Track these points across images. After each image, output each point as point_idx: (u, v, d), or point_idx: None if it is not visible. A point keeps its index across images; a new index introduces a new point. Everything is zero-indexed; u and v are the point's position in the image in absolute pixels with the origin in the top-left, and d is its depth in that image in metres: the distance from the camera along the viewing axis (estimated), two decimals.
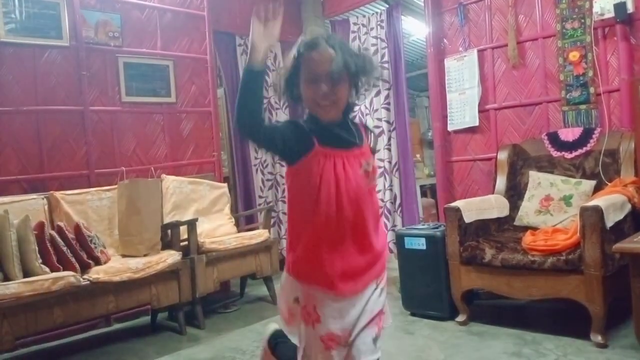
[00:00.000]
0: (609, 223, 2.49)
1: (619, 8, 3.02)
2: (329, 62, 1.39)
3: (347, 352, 1.47)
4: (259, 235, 3.71)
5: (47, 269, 2.74)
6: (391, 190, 4.43)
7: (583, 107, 3.32)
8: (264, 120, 1.37)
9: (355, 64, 1.44)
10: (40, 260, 2.73)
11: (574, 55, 3.31)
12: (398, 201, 4.38)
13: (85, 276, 2.80)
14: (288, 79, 1.47)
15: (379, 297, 1.53)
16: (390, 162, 4.43)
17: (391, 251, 4.40)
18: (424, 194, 6.89)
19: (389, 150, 4.43)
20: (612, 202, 2.58)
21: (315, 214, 1.42)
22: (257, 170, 4.80)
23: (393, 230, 4.31)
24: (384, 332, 1.58)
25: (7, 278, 2.64)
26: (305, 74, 1.43)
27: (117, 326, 3.55)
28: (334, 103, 1.42)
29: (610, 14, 3.09)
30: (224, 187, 4.07)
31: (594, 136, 3.19)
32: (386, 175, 4.45)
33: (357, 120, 1.60)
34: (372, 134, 1.59)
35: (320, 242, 1.44)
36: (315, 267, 1.45)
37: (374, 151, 1.56)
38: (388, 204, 4.43)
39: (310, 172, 1.41)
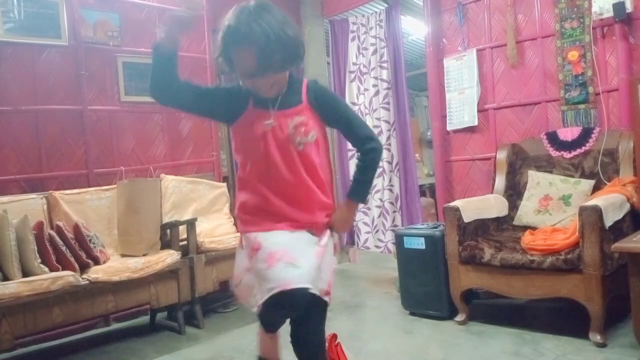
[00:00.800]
0: (608, 222, 2.50)
1: (618, 7, 3.01)
2: (253, 60, 1.41)
3: (293, 270, 1.47)
4: None
5: (46, 269, 2.73)
6: (391, 190, 4.43)
7: (582, 106, 3.32)
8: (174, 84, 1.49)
9: (283, 50, 1.43)
10: (39, 260, 2.73)
11: (572, 55, 3.31)
12: (399, 201, 4.37)
13: (84, 276, 2.79)
14: (223, 53, 1.49)
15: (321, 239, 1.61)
16: (390, 162, 4.43)
17: (389, 251, 4.42)
18: (423, 194, 6.89)
19: (389, 149, 4.43)
20: (611, 202, 2.58)
21: (247, 170, 1.58)
22: None
23: (393, 230, 4.31)
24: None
25: (6, 278, 2.64)
26: (237, 67, 1.48)
27: (116, 326, 3.54)
28: (273, 87, 1.50)
29: (609, 13, 3.08)
30: (223, 187, 4.07)
31: (593, 136, 3.19)
32: (385, 175, 4.44)
33: (304, 80, 1.61)
34: (316, 87, 1.60)
35: (251, 203, 1.58)
36: (251, 216, 1.59)
37: (323, 104, 1.58)
38: (387, 204, 4.43)
39: (244, 130, 1.55)
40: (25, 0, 3.31)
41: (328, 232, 1.66)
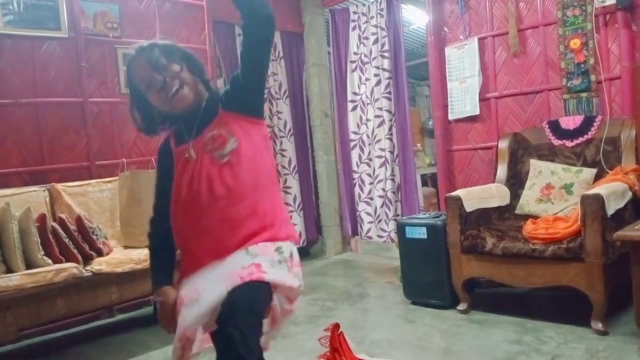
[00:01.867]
0: (610, 211, 2.50)
1: None
2: (153, 61, 1.42)
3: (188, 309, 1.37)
4: None
5: (49, 261, 2.74)
6: (393, 180, 4.43)
7: (584, 95, 3.30)
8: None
9: (181, 50, 1.48)
10: (42, 252, 2.73)
11: (575, 43, 3.29)
12: (400, 191, 4.38)
13: (87, 267, 2.80)
14: (134, 103, 1.52)
15: (251, 258, 1.37)
16: (392, 152, 4.42)
17: (392, 240, 4.43)
18: (424, 183, 6.90)
19: (390, 140, 4.43)
20: (613, 190, 2.57)
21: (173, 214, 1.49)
22: None
23: (395, 219, 4.32)
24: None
25: (9, 270, 2.65)
26: (142, 86, 1.46)
27: (120, 317, 3.56)
28: (187, 85, 1.44)
29: (611, 1, 3.07)
30: None
31: (595, 124, 3.18)
32: (387, 165, 4.44)
33: (220, 89, 1.54)
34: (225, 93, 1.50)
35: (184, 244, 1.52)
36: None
37: (233, 96, 1.47)
38: (389, 194, 4.44)
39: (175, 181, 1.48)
40: None
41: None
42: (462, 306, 3.02)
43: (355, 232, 4.81)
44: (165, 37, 1.58)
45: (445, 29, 4.02)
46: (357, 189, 4.72)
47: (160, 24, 3.96)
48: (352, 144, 4.73)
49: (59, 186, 3.23)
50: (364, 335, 2.83)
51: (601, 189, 2.57)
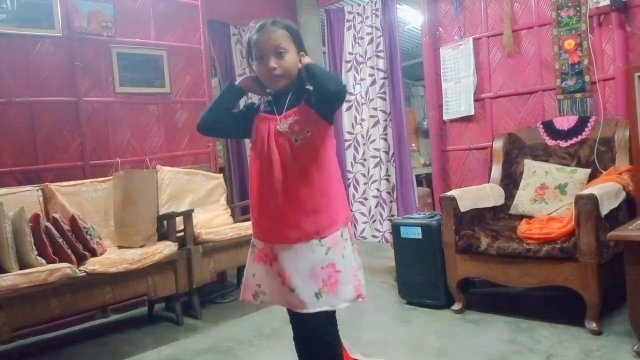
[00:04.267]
0: (604, 211, 2.51)
1: None
2: (273, 39, 1.64)
3: (288, 296, 1.66)
4: None
5: (43, 261, 2.73)
6: (388, 180, 4.43)
7: (578, 95, 3.32)
8: (219, 123, 1.76)
9: (298, 36, 1.70)
10: (36, 252, 2.72)
11: (569, 44, 3.31)
12: (395, 191, 4.38)
13: (81, 268, 2.79)
14: (248, 60, 1.76)
15: (324, 254, 1.66)
16: (387, 152, 4.43)
17: (387, 241, 4.43)
18: (419, 184, 6.91)
19: (385, 140, 4.43)
20: (607, 191, 2.59)
21: (254, 171, 1.74)
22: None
23: (390, 220, 4.32)
24: (333, 289, 1.66)
25: (3, 270, 2.63)
26: (255, 53, 1.69)
27: (114, 317, 3.55)
28: (284, 74, 1.66)
29: (605, 2, 3.08)
30: (219, 178, 4.07)
31: (589, 125, 3.19)
32: (382, 165, 4.45)
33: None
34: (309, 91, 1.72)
35: (256, 199, 1.74)
36: (256, 221, 1.77)
37: (310, 103, 1.68)
38: (384, 194, 4.44)
39: (254, 137, 1.75)
40: None
41: (335, 236, 1.70)
42: (457, 306, 3.03)
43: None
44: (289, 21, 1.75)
45: (441, 29, 4.02)
46: (351, 189, 4.72)
47: (155, 23, 3.94)
48: (346, 144, 4.73)
49: (53, 186, 3.22)
50: (360, 335, 2.83)
51: (595, 189, 2.58)
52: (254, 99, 1.96)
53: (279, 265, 1.68)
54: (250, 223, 3.69)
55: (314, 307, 1.63)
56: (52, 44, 3.44)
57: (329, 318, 1.73)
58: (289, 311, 1.77)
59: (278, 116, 1.70)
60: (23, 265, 2.69)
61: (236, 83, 1.77)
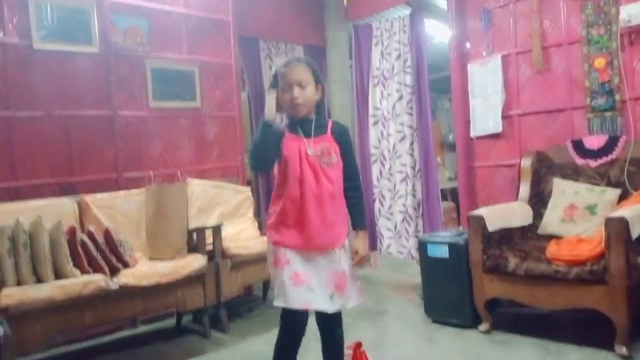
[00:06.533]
0: (635, 234, 2.49)
1: None
2: (297, 73, 1.95)
3: (311, 295, 1.91)
4: None
5: (78, 272, 2.81)
6: (414, 195, 4.43)
7: (608, 114, 3.29)
8: (272, 161, 1.99)
9: (317, 72, 2.00)
10: (71, 264, 2.81)
11: (599, 62, 3.29)
12: (421, 206, 4.38)
13: (114, 280, 2.87)
14: (270, 89, 2.01)
15: (339, 262, 1.98)
16: (413, 168, 4.43)
17: (412, 257, 4.43)
18: (444, 197, 6.85)
19: (412, 155, 4.44)
20: (637, 213, 2.56)
21: (285, 184, 1.96)
22: None
23: (416, 236, 4.32)
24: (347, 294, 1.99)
25: (39, 280, 2.72)
26: (281, 84, 1.97)
27: (143, 328, 3.61)
28: (305, 103, 1.96)
29: (637, 20, 3.06)
30: (247, 191, 4.13)
31: (619, 144, 3.16)
32: (408, 180, 4.45)
33: (329, 120, 2.10)
34: (341, 128, 2.07)
35: (286, 209, 1.94)
36: (282, 231, 1.96)
37: (342, 143, 2.03)
38: (410, 209, 4.44)
39: (283, 154, 1.96)
40: (58, 7, 3.39)
41: (343, 248, 2.03)
42: (484, 326, 3.02)
43: (374, 247, 4.82)
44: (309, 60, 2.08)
45: (468, 45, 4.03)
46: (377, 204, 4.74)
47: (187, 39, 4.04)
48: (372, 158, 4.76)
49: (88, 198, 3.31)
50: (385, 353, 2.84)
51: (625, 211, 2.56)
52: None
53: (292, 266, 1.92)
54: None
55: (327, 306, 1.93)
56: (89, 59, 3.55)
57: (340, 314, 2.06)
58: (302, 320, 1.99)
59: (305, 138, 1.98)
60: (58, 275, 2.78)
61: (265, 118, 1.93)
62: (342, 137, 2.05)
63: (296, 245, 1.94)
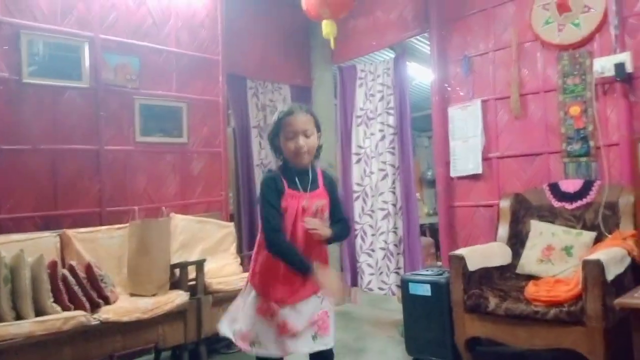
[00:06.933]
0: (610, 276, 2.56)
1: (619, 68, 3.15)
2: (302, 122, 1.97)
3: (294, 342, 1.93)
4: None
5: (58, 308, 2.78)
6: (395, 232, 4.50)
7: (583, 159, 3.42)
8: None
9: (318, 121, 2.03)
10: (52, 299, 2.78)
11: (574, 110, 3.43)
12: (402, 243, 4.44)
13: (95, 316, 2.84)
14: (272, 136, 2.04)
15: (320, 304, 2.02)
16: (394, 205, 4.51)
17: (393, 293, 4.46)
18: (423, 233, 6.93)
19: (393, 192, 4.52)
20: (612, 256, 2.65)
21: None
22: None
23: (397, 272, 4.36)
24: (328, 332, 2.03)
25: (19, 316, 2.69)
26: (285, 133, 1.98)
27: None
28: (308, 151, 1.98)
29: (610, 72, 3.21)
30: (230, 227, 4.14)
31: (594, 188, 3.28)
32: (389, 218, 4.52)
33: (317, 168, 2.11)
34: (331, 180, 2.12)
35: (273, 262, 1.93)
36: (270, 283, 1.96)
37: (332, 193, 2.08)
38: (391, 246, 4.50)
39: (282, 206, 1.94)
40: (50, 42, 3.44)
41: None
42: None
43: (354, 283, 4.84)
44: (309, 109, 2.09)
45: (450, 89, 4.18)
46: (358, 240, 4.78)
47: (177, 76, 4.12)
48: (355, 195, 4.83)
49: (70, 232, 3.29)
50: None
51: (601, 254, 2.64)
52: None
53: (280, 318, 1.93)
54: None
55: (311, 348, 1.97)
56: (79, 94, 3.59)
57: (332, 351, 2.08)
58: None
59: (303, 193, 1.99)
60: (38, 311, 2.74)
61: (312, 273, 1.88)
62: (332, 188, 2.09)
63: (282, 299, 1.95)
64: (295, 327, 1.94)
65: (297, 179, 1.99)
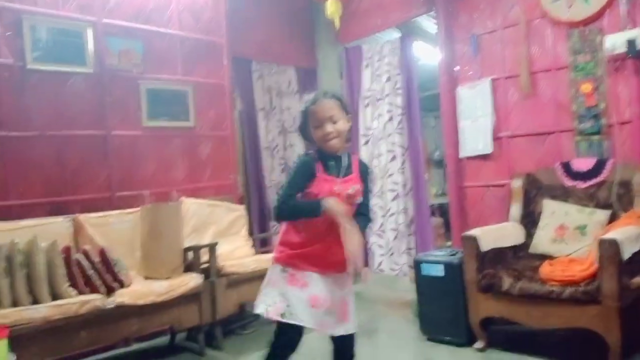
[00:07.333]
0: (626, 255, 2.56)
1: (630, 44, 3.11)
2: (327, 109, 1.97)
3: (323, 320, 1.97)
4: None
5: (74, 292, 2.80)
6: (405, 212, 4.50)
7: (595, 137, 3.40)
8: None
9: (345, 104, 2.03)
10: (68, 284, 2.79)
11: (586, 87, 3.40)
12: (413, 223, 4.44)
13: (110, 299, 2.85)
14: (302, 127, 2.07)
15: (343, 290, 2.04)
16: (404, 186, 4.50)
17: (405, 274, 4.47)
18: (432, 214, 6.94)
19: (402, 173, 4.51)
20: (628, 235, 2.64)
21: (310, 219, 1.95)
22: (272, 192, 4.88)
23: (408, 253, 4.37)
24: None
25: (35, 301, 2.70)
26: (312, 122, 2.00)
27: (136, 346, 3.57)
28: (338, 136, 1.98)
29: (621, 49, 3.17)
30: (240, 210, 4.14)
31: (606, 167, 3.25)
32: (399, 199, 4.52)
33: (354, 156, 2.12)
34: (366, 168, 2.14)
35: (314, 241, 1.96)
36: (309, 257, 1.97)
37: (365, 181, 2.09)
38: (402, 227, 4.50)
39: (313, 192, 1.97)
40: (53, 29, 3.41)
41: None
42: (479, 344, 3.06)
43: (366, 264, 4.85)
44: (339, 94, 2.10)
45: (458, 69, 4.13)
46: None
47: (182, 60, 4.08)
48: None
49: (82, 217, 3.30)
50: None
51: (617, 233, 2.63)
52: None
53: (311, 289, 1.96)
54: (271, 255, 3.75)
55: (340, 330, 2.01)
56: (83, 80, 3.56)
57: (354, 335, 2.10)
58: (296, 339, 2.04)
59: (336, 178, 1.99)
60: (55, 295, 2.76)
61: (325, 207, 1.88)
62: (365, 176, 2.10)
63: (317, 270, 1.98)
64: (325, 302, 1.97)
65: (331, 164, 2.00)
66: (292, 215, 1.97)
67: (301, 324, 1.95)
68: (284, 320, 1.94)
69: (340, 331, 2.02)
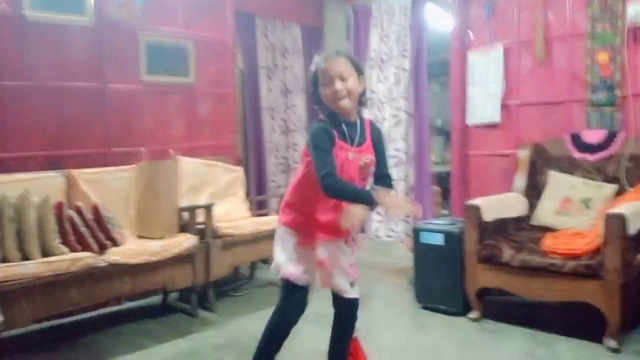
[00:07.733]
0: (632, 231, 2.49)
1: None
2: (337, 66, 1.89)
3: (329, 279, 2.01)
4: (275, 221, 3.70)
5: (65, 249, 2.74)
6: (406, 180, 4.42)
7: (608, 109, 3.28)
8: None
9: (357, 62, 1.95)
10: (59, 241, 2.73)
11: (602, 57, 3.27)
12: (413, 192, 4.37)
13: (103, 257, 2.79)
14: (313, 90, 2.00)
15: (352, 252, 2.04)
16: (406, 153, 4.40)
17: (402, 241, 4.43)
18: None
19: (406, 140, 4.41)
20: (635, 210, 2.57)
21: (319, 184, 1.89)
22: (270, 153, 4.79)
23: (406, 220, 4.31)
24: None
25: (25, 257, 2.64)
26: (322, 80, 1.92)
27: (127, 305, 3.54)
28: (349, 94, 1.89)
29: None
30: (238, 171, 4.06)
31: (617, 140, 3.16)
32: (401, 166, 4.43)
33: (366, 117, 2.04)
34: (379, 132, 2.06)
35: (324, 211, 1.93)
36: (319, 225, 1.96)
37: (381, 147, 2.03)
38: (401, 195, 4.42)
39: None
40: None
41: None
42: (474, 314, 3.03)
43: (361, 230, 4.80)
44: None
45: (470, 33, 3.98)
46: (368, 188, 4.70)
47: (183, 13, 3.92)
48: None
49: (76, 172, 3.21)
50: (376, 340, 2.82)
51: (624, 208, 2.56)
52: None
53: (319, 252, 1.96)
54: (268, 218, 3.70)
55: (348, 293, 2.05)
56: (82, 31, 3.41)
57: (358, 301, 2.13)
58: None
59: (350, 145, 1.92)
60: (45, 253, 2.69)
61: (377, 201, 1.82)
62: (379, 140, 2.03)
63: (323, 237, 1.96)
64: (331, 266, 1.98)
65: (345, 130, 1.93)
66: (340, 196, 1.87)
67: (315, 286, 2.02)
68: (301, 282, 1.96)
69: (354, 294, 2.07)
